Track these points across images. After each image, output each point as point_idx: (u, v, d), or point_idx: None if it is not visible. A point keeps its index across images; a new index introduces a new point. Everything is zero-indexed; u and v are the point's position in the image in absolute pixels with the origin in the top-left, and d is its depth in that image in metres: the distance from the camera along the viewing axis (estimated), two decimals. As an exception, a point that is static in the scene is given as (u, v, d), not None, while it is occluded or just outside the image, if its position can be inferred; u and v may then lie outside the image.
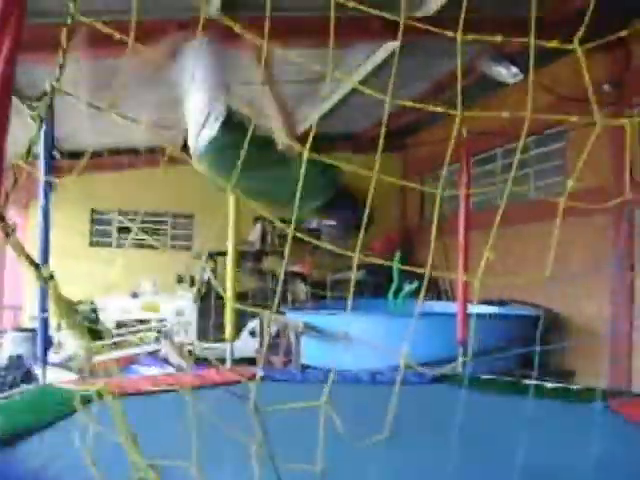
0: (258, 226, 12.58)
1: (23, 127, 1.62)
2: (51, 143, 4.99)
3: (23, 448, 3.21)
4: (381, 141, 1.43)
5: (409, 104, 1.45)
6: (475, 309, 6.31)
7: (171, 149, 1.61)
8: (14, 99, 5.73)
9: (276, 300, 1.73)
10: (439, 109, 1.40)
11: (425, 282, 1.43)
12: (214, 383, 4.75)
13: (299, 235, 1.49)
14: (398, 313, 9.29)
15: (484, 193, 10.96)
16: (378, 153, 1.39)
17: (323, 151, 1.45)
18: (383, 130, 1.44)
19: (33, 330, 8.16)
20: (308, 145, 1.43)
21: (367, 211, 1.51)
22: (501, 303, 8.94)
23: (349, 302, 1.54)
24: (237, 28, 1.45)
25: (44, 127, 4.84)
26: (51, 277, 1.52)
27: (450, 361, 5.79)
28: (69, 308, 1.58)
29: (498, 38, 1.43)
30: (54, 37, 1.73)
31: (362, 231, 1.43)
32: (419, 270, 1.42)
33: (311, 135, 1.46)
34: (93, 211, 13.23)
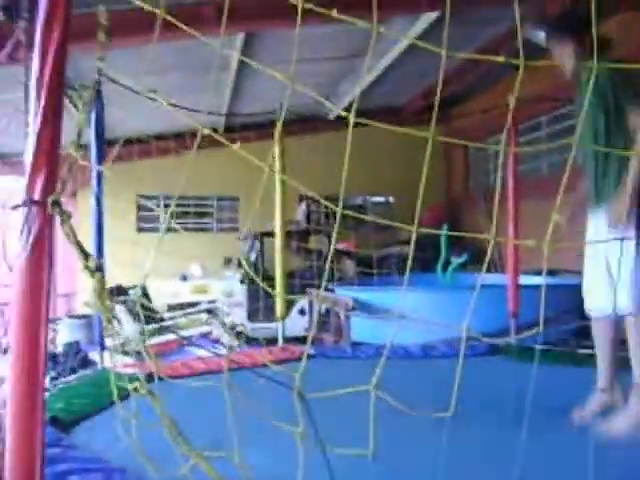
0: (303, 205, 12.59)
1: (70, 119, 1.64)
2: (102, 130, 5.03)
3: (84, 431, 3.28)
4: (436, 109, 1.41)
5: (471, 56, 1.41)
6: (527, 280, 6.23)
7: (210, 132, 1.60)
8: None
9: (322, 278, 1.71)
10: (501, 59, 1.35)
11: (489, 253, 1.39)
12: (263, 364, 4.78)
13: (346, 212, 1.47)
14: (448, 287, 9.23)
15: (531, 161, 10.79)
16: (433, 122, 1.36)
17: (365, 125, 1.43)
18: (438, 93, 1.41)
19: (88, 316, 8.32)
20: (352, 118, 1.40)
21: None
22: (552, 273, 8.79)
23: (405, 278, 1.51)
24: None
25: (94, 114, 4.89)
26: (98, 269, 1.53)
27: (503, 333, 5.73)
28: (110, 300, 1.60)
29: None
30: (96, 26, 1.75)
31: (419, 203, 1.40)
32: (473, 235, 1.39)
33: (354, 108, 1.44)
34: (139, 197, 13.40)
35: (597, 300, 3.15)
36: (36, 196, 1.39)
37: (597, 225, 3.13)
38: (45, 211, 1.39)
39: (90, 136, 4.92)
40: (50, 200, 1.40)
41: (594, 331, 3.28)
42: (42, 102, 1.42)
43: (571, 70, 3.15)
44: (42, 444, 1.34)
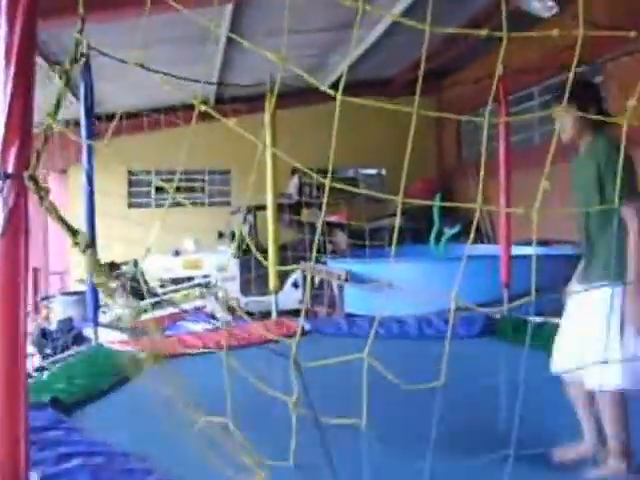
0: (295, 178, 12.53)
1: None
2: (91, 105, 4.96)
3: (86, 414, 3.27)
4: (420, 79, 1.39)
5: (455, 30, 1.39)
6: (519, 250, 6.24)
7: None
8: (45, 65, 5.73)
9: (314, 250, 1.69)
10: (484, 32, 1.33)
11: (474, 224, 1.39)
12: (259, 340, 4.77)
13: (337, 185, 1.46)
14: (441, 258, 9.24)
15: (522, 132, 10.75)
16: (417, 95, 1.34)
17: (356, 97, 1.41)
18: (422, 66, 1.39)
19: (81, 293, 8.31)
20: (340, 91, 1.38)
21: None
22: (543, 243, 8.80)
23: (393, 249, 1.51)
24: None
25: (82, 90, 4.82)
26: (88, 246, 1.50)
27: (496, 304, 5.74)
28: (107, 274, 1.57)
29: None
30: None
31: (404, 175, 1.39)
32: (467, 206, 1.38)
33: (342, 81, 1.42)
34: (130, 173, 13.32)
35: (568, 364, 3.05)
36: (9, 169, 1.35)
37: (581, 298, 3.05)
38: (19, 184, 1.35)
39: (80, 111, 4.87)
40: (26, 176, 1.36)
41: (570, 393, 3.17)
42: (11, 72, 1.36)
43: (569, 137, 3.06)
44: (26, 422, 1.32)
